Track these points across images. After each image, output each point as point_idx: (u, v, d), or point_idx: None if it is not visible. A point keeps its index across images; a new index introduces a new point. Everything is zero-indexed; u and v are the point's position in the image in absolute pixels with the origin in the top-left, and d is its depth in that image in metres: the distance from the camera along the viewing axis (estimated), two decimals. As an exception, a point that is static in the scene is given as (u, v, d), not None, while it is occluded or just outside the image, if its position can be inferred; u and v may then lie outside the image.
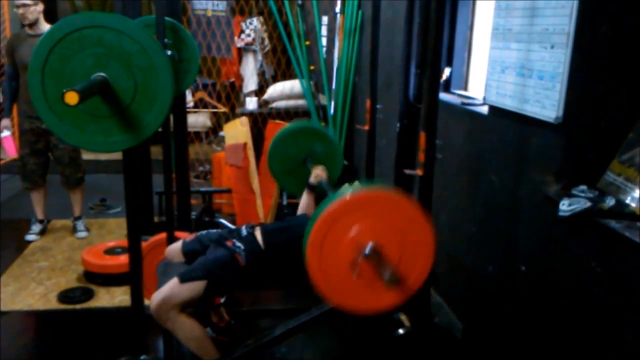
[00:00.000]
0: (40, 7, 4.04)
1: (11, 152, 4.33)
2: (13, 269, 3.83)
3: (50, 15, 4.21)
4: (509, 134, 2.47)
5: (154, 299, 2.22)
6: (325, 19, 5.72)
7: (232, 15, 5.86)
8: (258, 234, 2.40)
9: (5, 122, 4.28)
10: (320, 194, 2.81)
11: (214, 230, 2.61)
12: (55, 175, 4.40)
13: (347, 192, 1.82)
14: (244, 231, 2.43)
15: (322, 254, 1.79)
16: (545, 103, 2.14)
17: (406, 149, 3.49)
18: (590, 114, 2.00)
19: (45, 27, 4.08)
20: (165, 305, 2.19)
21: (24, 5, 3.95)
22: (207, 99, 6.38)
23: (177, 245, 2.58)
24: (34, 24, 4.03)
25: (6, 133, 4.24)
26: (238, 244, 2.34)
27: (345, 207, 1.80)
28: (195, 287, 2.21)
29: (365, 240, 1.77)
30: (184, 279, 2.21)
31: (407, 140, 3.49)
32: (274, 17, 5.62)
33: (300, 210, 2.84)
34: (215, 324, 2.88)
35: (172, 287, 2.21)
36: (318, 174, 2.85)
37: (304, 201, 2.85)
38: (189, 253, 2.50)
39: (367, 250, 1.75)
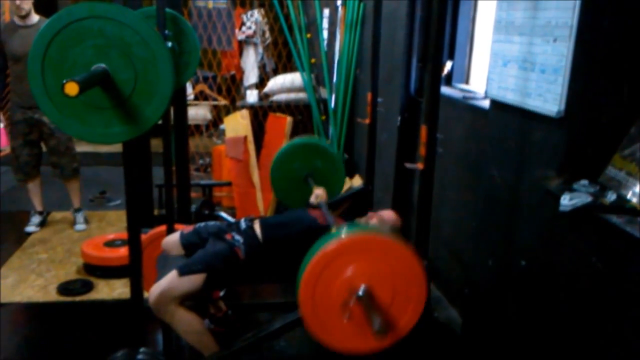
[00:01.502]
0: None
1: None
2: (12, 261, 3.83)
3: (50, 7, 4.18)
4: (510, 128, 2.46)
5: (152, 292, 2.22)
6: (326, 12, 5.70)
7: (233, 7, 5.85)
8: (257, 227, 2.39)
9: None
10: None
11: (212, 223, 2.60)
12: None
13: (343, 232, 1.85)
14: (243, 224, 2.43)
15: (315, 294, 1.81)
16: (547, 97, 2.13)
17: (407, 142, 3.50)
18: (592, 108, 1.99)
19: (35, 17, 4.07)
20: (163, 298, 2.19)
21: None
22: (208, 91, 6.37)
23: (174, 237, 2.57)
24: (27, 15, 4.01)
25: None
26: (237, 237, 2.33)
27: (340, 248, 1.82)
28: (194, 280, 2.21)
29: (359, 282, 1.78)
30: (183, 272, 2.21)
31: (408, 134, 3.50)
32: (275, 10, 5.60)
33: None
34: (212, 314, 2.89)
35: (171, 280, 2.21)
36: (318, 194, 2.84)
37: None
38: (188, 245, 2.49)
39: (359, 293, 1.76)
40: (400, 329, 1.88)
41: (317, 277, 1.80)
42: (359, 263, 1.81)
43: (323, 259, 1.80)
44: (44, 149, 4.32)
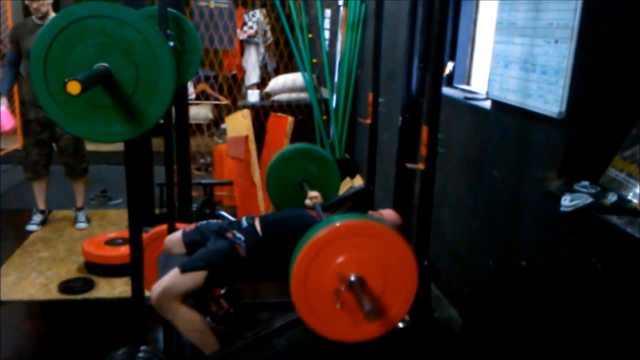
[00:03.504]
0: None
1: (8, 124, 4.26)
2: (14, 259, 3.84)
3: (53, 6, 4.20)
4: (511, 128, 2.46)
5: (154, 290, 2.22)
6: (328, 12, 5.70)
7: (235, 7, 5.84)
8: (257, 224, 2.40)
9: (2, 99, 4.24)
10: None
11: (214, 221, 2.61)
12: (57, 166, 4.40)
13: (334, 220, 1.84)
14: (244, 222, 2.44)
15: (306, 282, 1.81)
16: (548, 98, 2.13)
17: (408, 143, 3.50)
18: (593, 109, 1.99)
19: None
20: (166, 296, 2.20)
21: None
22: (209, 91, 6.37)
23: (176, 235, 2.58)
24: (45, 16, 4.04)
25: (1, 107, 4.20)
26: (238, 235, 2.34)
27: (330, 235, 1.81)
28: (196, 278, 2.21)
29: (349, 270, 1.79)
30: (184, 270, 2.22)
31: (409, 134, 3.50)
32: (277, 10, 5.60)
33: None
34: (214, 312, 2.89)
35: (173, 277, 2.21)
36: (313, 196, 2.90)
37: None
38: (190, 244, 2.50)
39: (350, 281, 1.76)
40: (391, 318, 1.87)
41: (307, 265, 1.79)
42: (350, 251, 1.80)
43: (314, 247, 1.79)
44: (55, 149, 4.34)
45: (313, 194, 2.92)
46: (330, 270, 1.80)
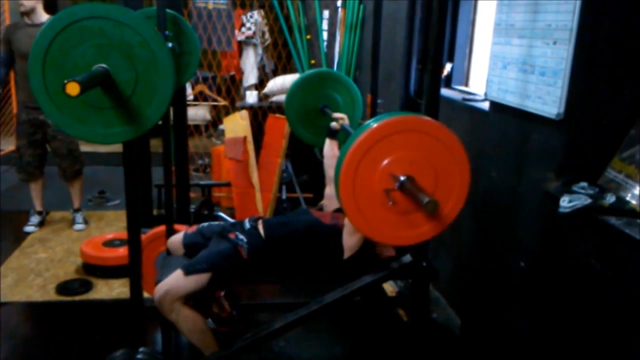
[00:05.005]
0: None
1: None
2: (11, 261, 3.83)
3: (50, 6, 4.19)
4: (509, 130, 2.46)
5: (158, 291, 2.22)
6: (326, 13, 5.70)
7: (233, 8, 5.84)
8: (260, 227, 2.39)
9: None
10: (343, 141, 2.73)
11: (216, 223, 2.61)
12: (53, 167, 4.39)
13: (374, 122, 1.74)
14: (247, 224, 2.43)
15: (354, 186, 1.72)
16: (547, 99, 2.13)
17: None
18: (591, 110, 2.00)
19: (44, 17, 4.07)
20: (169, 297, 2.20)
21: None
22: (207, 92, 6.36)
23: (178, 237, 2.58)
24: (30, 12, 4.01)
25: None
26: (241, 237, 2.33)
27: (378, 133, 1.72)
28: (199, 280, 2.21)
29: (398, 170, 1.71)
30: (188, 272, 2.21)
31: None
32: (275, 11, 5.61)
33: (326, 159, 2.75)
34: (216, 314, 2.89)
35: (176, 279, 2.21)
36: (340, 117, 2.74)
37: (328, 149, 2.75)
38: (190, 245, 2.50)
39: (402, 179, 1.69)
40: (445, 217, 1.80)
41: (355, 166, 1.70)
42: (396, 151, 1.71)
43: (362, 146, 1.70)
44: (49, 149, 4.32)
45: (339, 115, 2.75)
46: (379, 172, 1.71)
